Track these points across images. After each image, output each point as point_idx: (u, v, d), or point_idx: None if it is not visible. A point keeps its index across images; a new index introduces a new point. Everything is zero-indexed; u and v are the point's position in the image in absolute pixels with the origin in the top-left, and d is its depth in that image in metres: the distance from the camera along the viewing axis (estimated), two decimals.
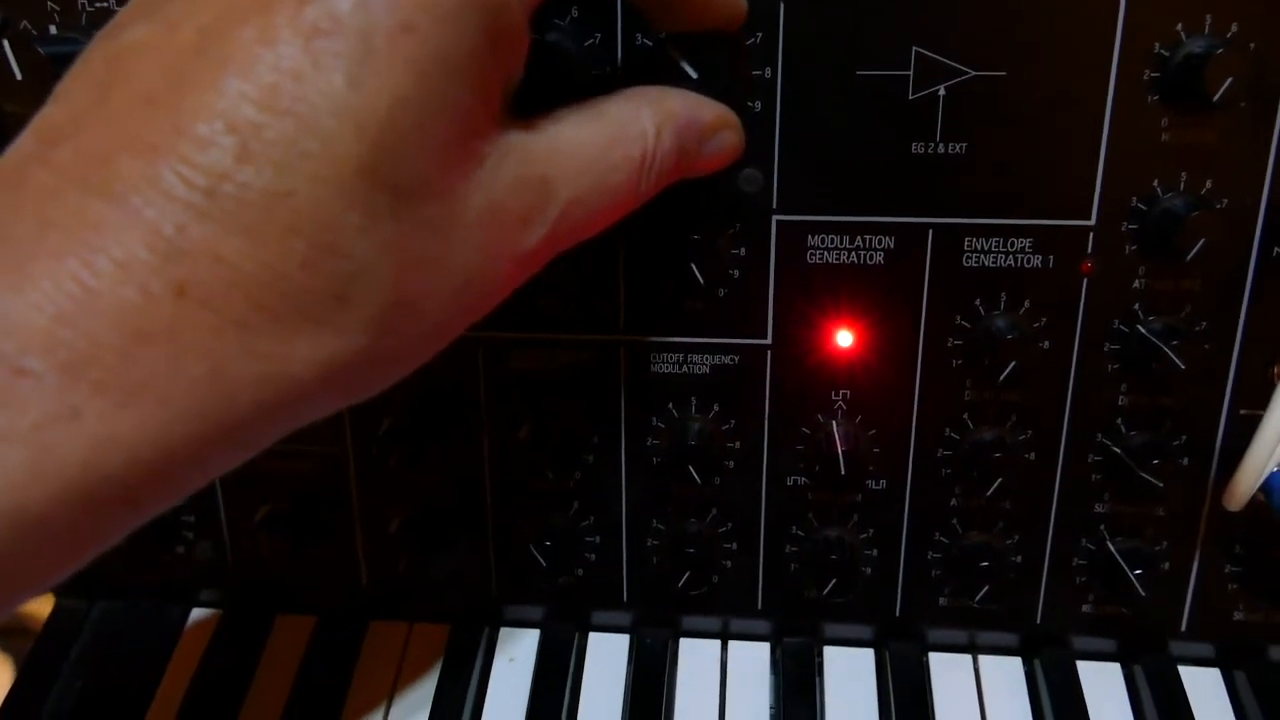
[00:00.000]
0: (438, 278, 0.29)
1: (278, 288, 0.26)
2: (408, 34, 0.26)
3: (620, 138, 0.33)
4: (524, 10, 0.30)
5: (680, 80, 0.37)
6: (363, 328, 0.28)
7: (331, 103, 0.26)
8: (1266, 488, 0.42)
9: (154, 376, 0.25)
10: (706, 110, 0.37)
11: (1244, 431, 0.42)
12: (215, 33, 0.26)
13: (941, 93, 0.39)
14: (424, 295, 0.29)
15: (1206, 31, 0.38)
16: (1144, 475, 0.42)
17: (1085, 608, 0.46)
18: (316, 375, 0.27)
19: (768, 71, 0.39)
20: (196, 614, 0.51)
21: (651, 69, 0.37)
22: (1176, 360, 0.40)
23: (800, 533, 0.46)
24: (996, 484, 0.43)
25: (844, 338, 0.43)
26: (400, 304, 0.28)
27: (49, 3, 0.40)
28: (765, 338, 0.43)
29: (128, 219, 0.24)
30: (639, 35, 0.39)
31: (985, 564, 0.44)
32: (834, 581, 0.45)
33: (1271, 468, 0.41)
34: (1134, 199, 0.40)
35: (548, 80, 0.34)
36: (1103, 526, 0.45)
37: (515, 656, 0.49)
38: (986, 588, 0.44)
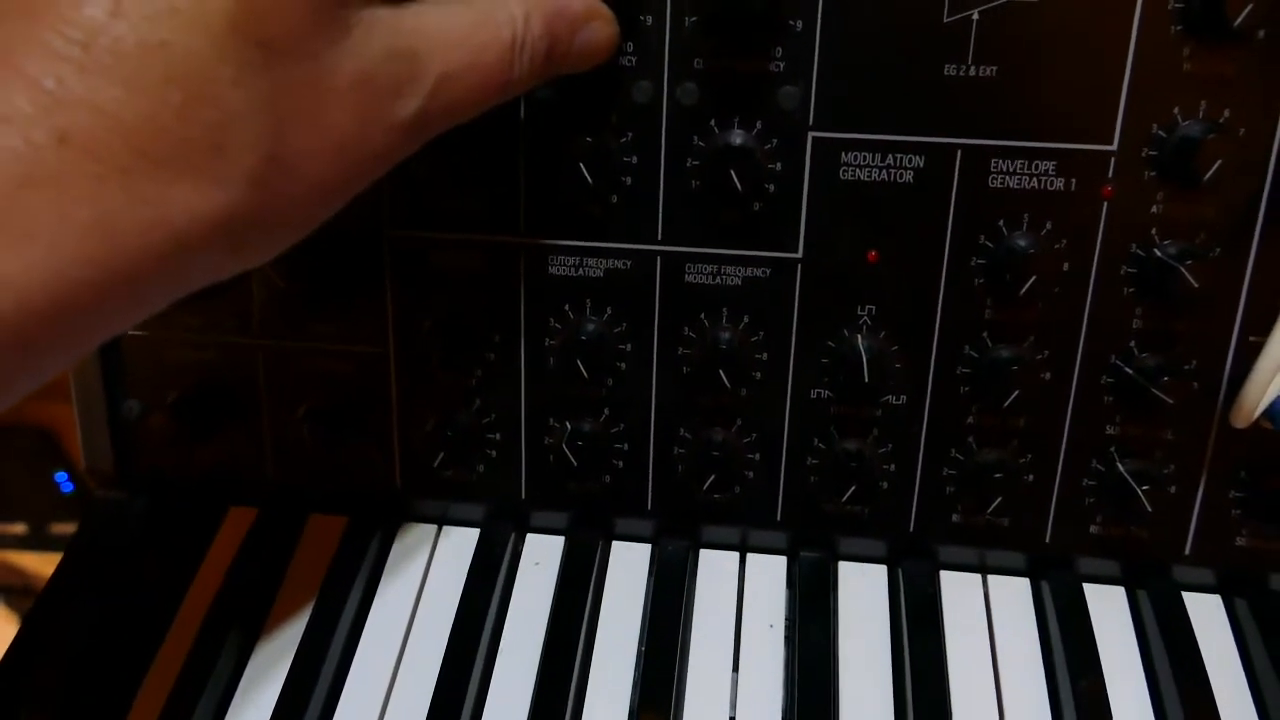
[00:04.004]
0: (314, 137, 0.31)
1: (157, 135, 0.28)
2: None
3: (487, 21, 0.36)
4: None
5: None
6: (242, 179, 0.30)
7: None
8: (1271, 413, 0.43)
9: (41, 222, 0.27)
10: (576, 1, 0.39)
11: (1253, 358, 0.43)
12: None
13: (975, 16, 0.41)
14: (301, 153, 0.31)
15: None
16: (1155, 392, 0.43)
17: (1093, 529, 0.48)
18: (201, 225, 0.29)
19: None
20: (233, 512, 0.53)
21: None
22: (1190, 279, 0.42)
23: (821, 445, 0.48)
24: (1012, 401, 0.45)
25: (872, 254, 0.45)
26: (277, 158, 0.30)
27: None
28: (796, 251, 0.45)
29: (9, 75, 0.27)
30: None
31: (999, 477, 0.46)
32: (852, 490, 0.46)
33: (1278, 389, 0.43)
34: (1155, 126, 0.42)
35: None
36: (1113, 448, 0.46)
37: (540, 560, 0.51)
38: (999, 499, 0.46)
